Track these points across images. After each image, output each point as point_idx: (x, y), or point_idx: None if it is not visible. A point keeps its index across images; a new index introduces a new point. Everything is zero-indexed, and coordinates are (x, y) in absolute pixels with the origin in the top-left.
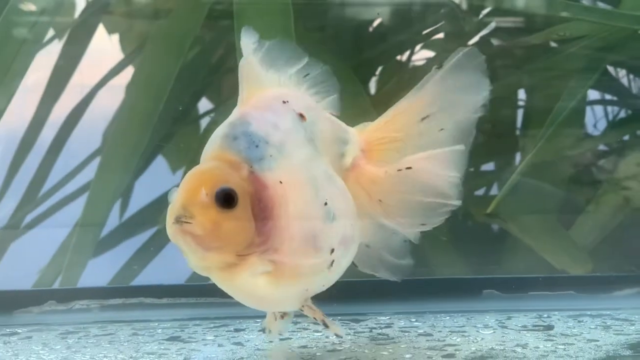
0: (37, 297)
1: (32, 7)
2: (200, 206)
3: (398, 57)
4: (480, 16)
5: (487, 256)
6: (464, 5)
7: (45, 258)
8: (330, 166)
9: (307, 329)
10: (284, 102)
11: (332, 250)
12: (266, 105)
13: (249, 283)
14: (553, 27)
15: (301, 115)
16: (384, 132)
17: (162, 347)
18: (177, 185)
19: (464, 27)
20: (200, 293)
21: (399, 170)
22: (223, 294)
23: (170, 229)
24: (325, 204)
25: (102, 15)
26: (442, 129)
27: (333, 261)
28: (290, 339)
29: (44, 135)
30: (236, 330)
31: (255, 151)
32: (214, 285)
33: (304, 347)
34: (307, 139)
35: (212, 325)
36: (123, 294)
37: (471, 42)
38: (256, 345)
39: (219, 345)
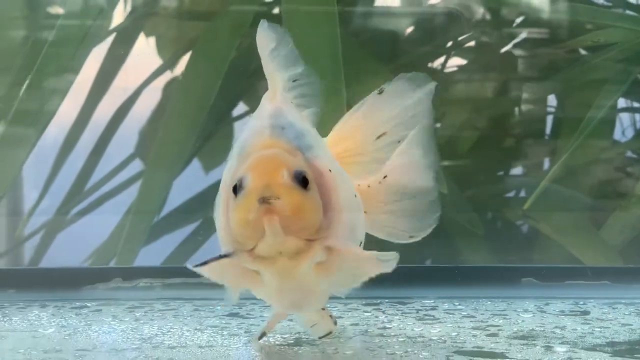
0: (104, 274)
1: (59, 10)
2: (284, 187)
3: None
4: (513, 25)
5: (519, 253)
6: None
7: (99, 242)
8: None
9: (357, 309)
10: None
11: (361, 243)
12: (288, 102)
13: (305, 274)
14: (585, 35)
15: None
16: (344, 147)
17: (223, 322)
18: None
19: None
20: None
21: (379, 182)
22: None
23: (253, 210)
24: (356, 196)
25: (148, 17)
26: (399, 141)
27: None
28: (342, 317)
29: (88, 133)
30: None
31: (303, 140)
32: None
33: (356, 324)
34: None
35: (267, 304)
36: (184, 274)
37: (503, 50)
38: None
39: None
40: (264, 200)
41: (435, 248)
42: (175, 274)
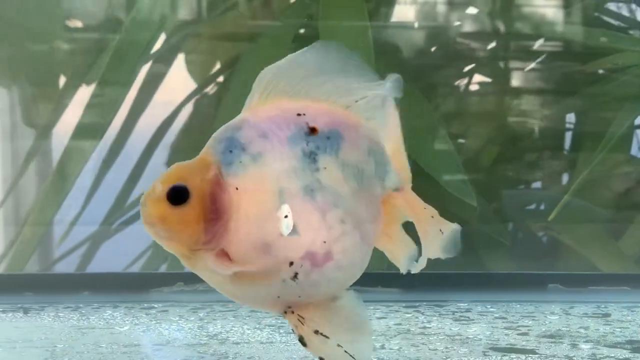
0: (168, 279)
1: (78, 24)
2: (153, 199)
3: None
4: (535, 45)
5: (542, 261)
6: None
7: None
8: (342, 182)
9: (398, 311)
10: (298, 114)
11: (291, 263)
12: (270, 115)
13: (209, 275)
14: (605, 57)
15: (312, 129)
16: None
17: (279, 321)
18: None
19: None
20: None
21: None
22: None
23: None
24: (286, 216)
25: (189, 37)
26: None
27: (297, 274)
28: (385, 318)
29: (131, 145)
30: None
31: (228, 156)
32: None
33: (398, 324)
34: (305, 153)
35: None
36: None
37: (527, 68)
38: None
39: None
40: (141, 208)
41: (462, 256)
42: None
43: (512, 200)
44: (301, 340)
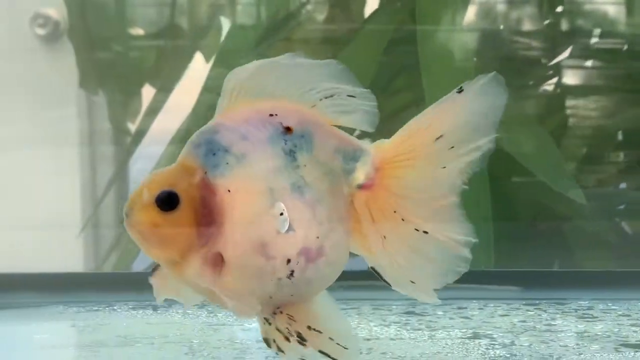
0: None
1: (140, 31)
2: (140, 205)
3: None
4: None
5: None
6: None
7: None
8: (320, 180)
9: (519, 309)
10: (270, 114)
11: (289, 261)
12: (244, 117)
13: (198, 280)
14: None
15: (287, 129)
16: (400, 150)
17: (403, 319)
18: None
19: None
20: None
21: (403, 219)
22: None
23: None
24: (281, 214)
25: (279, 42)
26: (452, 147)
27: (293, 271)
28: (508, 315)
29: None
30: (459, 308)
31: (212, 158)
32: None
33: (523, 321)
34: (285, 151)
35: (437, 303)
36: (359, 277)
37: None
38: (482, 318)
39: (450, 318)
40: (125, 215)
41: (559, 252)
42: (353, 278)
43: (604, 200)
44: (299, 336)
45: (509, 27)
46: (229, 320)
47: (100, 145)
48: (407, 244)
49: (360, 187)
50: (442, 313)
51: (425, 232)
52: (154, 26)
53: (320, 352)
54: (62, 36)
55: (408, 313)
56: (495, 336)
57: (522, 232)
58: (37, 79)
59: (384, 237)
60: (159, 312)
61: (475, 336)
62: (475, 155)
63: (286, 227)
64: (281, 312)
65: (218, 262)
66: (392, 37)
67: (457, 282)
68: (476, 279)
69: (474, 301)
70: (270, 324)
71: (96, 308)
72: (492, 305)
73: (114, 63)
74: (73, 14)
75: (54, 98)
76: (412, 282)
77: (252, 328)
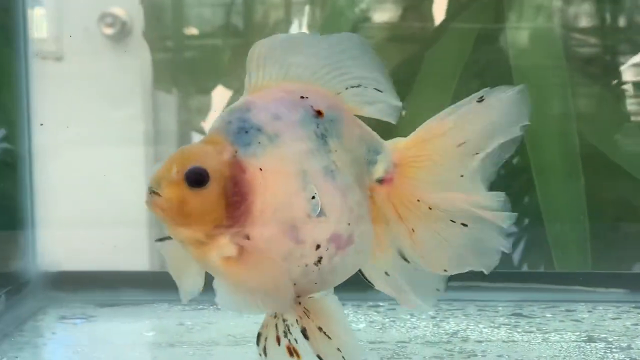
0: None
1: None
2: (169, 182)
3: None
4: None
5: None
6: None
7: None
8: (348, 167)
9: (630, 312)
10: (301, 97)
11: (318, 246)
12: (276, 96)
13: (219, 264)
14: None
15: (319, 112)
16: (420, 151)
17: (512, 320)
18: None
19: None
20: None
21: (430, 208)
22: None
23: (146, 199)
24: (313, 197)
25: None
26: (476, 153)
27: (321, 258)
28: (619, 318)
29: None
30: (567, 310)
31: (244, 137)
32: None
33: (636, 324)
34: (317, 135)
35: (543, 305)
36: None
37: None
38: (594, 321)
39: (560, 321)
40: (149, 192)
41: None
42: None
43: None
44: (304, 332)
45: (596, 26)
46: (386, 319)
47: (165, 145)
48: (438, 232)
49: (380, 181)
50: (550, 315)
51: (453, 221)
52: (227, 26)
53: (319, 356)
54: (128, 35)
55: (516, 315)
56: (610, 339)
57: (616, 233)
58: (104, 78)
59: (413, 230)
60: None
61: (590, 339)
62: (496, 163)
63: (318, 211)
64: (299, 303)
65: (245, 244)
66: (481, 35)
67: (561, 283)
68: (580, 280)
69: (582, 304)
70: (275, 316)
71: (201, 307)
72: (600, 307)
73: (188, 62)
74: (149, 13)
75: (121, 98)
76: (445, 270)
77: (360, 329)
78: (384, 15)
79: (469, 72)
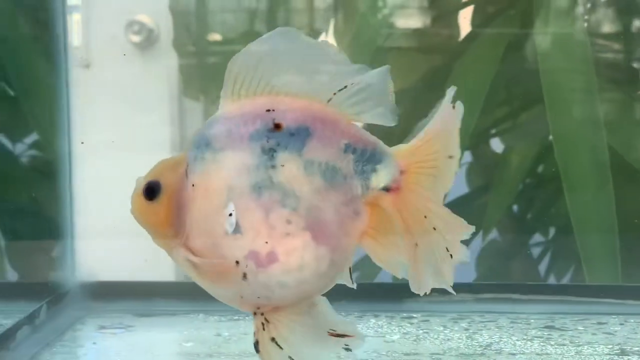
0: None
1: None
2: (136, 193)
3: None
4: None
5: None
6: None
7: None
8: (304, 180)
9: None
10: (267, 110)
11: (237, 262)
12: (241, 110)
13: (188, 271)
14: None
15: (277, 125)
16: (422, 157)
17: (546, 332)
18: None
19: None
20: (563, 291)
21: (434, 229)
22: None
23: None
24: (230, 215)
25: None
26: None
27: (245, 274)
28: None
29: None
30: (599, 323)
31: (195, 151)
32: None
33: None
34: (264, 149)
35: (575, 318)
36: (494, 290)
37: None
38: (626, 334)
39: (592, 334)
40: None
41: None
42: (487, 290)
43: None
44: (255, 345)
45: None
46: (370, 332)
47: None
48: (436, 254)
49: (388, 189)
50: (582, 328)
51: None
52: (251, 32)
53: None
54: (155, 43)
55: (548, 327)
56: None
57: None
58: (131, 85)
59: (416, 244)
60: None
61: (623, 352)
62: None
63: (233, 228)
64: (261, 314)
65: (189, 257)
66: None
67: (592, 295)
68: (611, 293)
69: (613, 316)
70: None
71: (236, 317)
72: (632, 320)
73: (215, 69)
74: (178, 21)
75: (147, 104)
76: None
77: (395, 341)
78: (409, 22)
79: (499, 81)
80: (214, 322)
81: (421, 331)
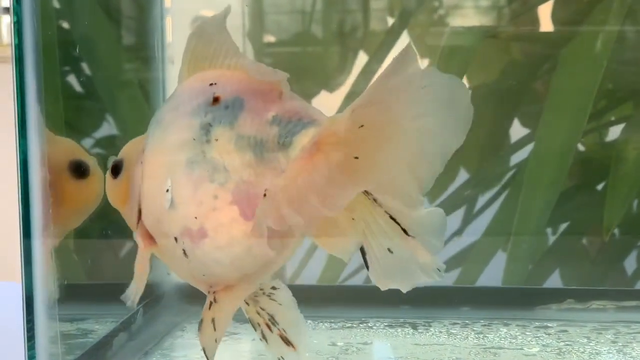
0: (555, 295)
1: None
2: (107, 172)
3: None
4: None
5: None
6: None
7: None
8: (236, 154)
9: None
10: (211, 84)
11: (176, 239)
12: (192, 85)
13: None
14: None
15: (215, 99)
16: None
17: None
18: None
19: None
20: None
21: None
22: None
23: None
24: (167, 190)
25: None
26: None
27: (184, 250)
28: None
29: None
30: None
31: (149, 129)
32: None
33: None
34: (201, 124)
35: None
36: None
37: None
38: None
39: None
40: None
41: None
42: (631, 297)
43: None
44: (199, 323)
45: None
46: (504, 343)
47: None
48: (380, 228)
49: (317, 149)
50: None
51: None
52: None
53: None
54: None
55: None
56: None
57: None
58: None
59: (353, 219)
60: (419, 330)
61: None
62: None
63: (169, 204)
64: (213, 292)
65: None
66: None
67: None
68: None
69: None
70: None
71: (349, 324)
72: None
73: (292, 66)
74: (254, 16)
75: None
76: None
77: (534, 354)
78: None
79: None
80: (325, 329)
81: (562, 343)
